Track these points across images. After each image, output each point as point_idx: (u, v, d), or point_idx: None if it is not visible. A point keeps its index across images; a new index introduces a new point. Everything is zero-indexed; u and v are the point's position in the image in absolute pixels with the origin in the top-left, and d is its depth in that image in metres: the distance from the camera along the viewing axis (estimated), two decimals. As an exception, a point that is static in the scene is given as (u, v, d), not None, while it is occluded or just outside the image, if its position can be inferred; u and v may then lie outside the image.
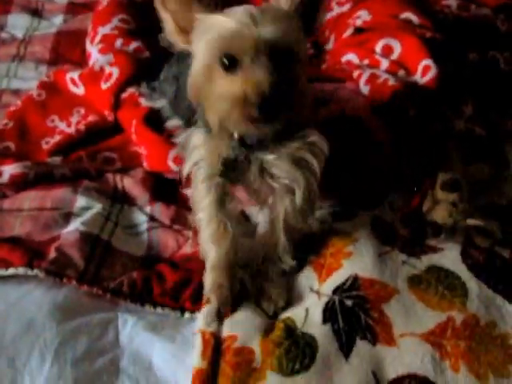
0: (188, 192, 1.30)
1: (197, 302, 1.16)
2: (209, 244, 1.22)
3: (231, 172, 1.13)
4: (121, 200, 1.38)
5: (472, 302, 1.10)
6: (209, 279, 1.17)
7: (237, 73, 0.98)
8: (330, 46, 1.71)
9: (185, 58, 1.35)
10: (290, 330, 1.09)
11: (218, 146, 1.15)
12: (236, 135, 1.11)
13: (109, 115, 1.58)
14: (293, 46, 1.00)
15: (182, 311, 1.16)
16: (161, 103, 1.54)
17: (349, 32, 1.63)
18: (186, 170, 1.22)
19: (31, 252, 1.20)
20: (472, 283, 1.13)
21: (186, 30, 1.07)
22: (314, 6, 1.08)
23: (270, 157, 1.10)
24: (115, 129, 1.60)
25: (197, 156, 1.19)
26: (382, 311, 1.09)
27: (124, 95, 1.57)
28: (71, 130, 1.57)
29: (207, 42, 1.02)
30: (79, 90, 1.66)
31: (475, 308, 1.09)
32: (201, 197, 1.21)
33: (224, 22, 1.01)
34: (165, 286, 1.19)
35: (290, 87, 0.98)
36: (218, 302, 1.12)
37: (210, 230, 1.20)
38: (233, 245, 1.19)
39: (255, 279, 1.19)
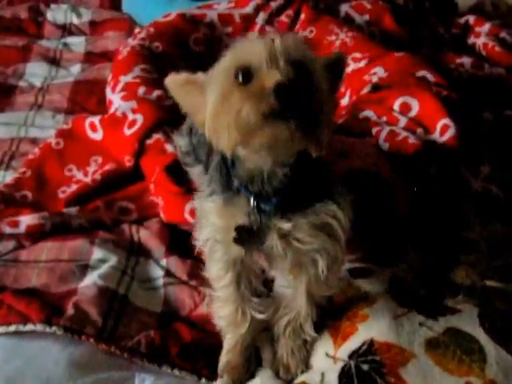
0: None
1: (213, 369, 1.15)
2: (225, 326, 1.19)
3: (248, 240, 1.08)
4: (137, 252, 1.38)
5: (490, 368, 1.08)
6: (224, 359, 1.16)
7: (253, 81, 0.94)
8: (345, 100, 1.70)
9: None
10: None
11: (234, 215, 1.08)
12: (252, 201, 1.05)
13: (129, 161, 1.58)
14: (310, 62, 0.97)
15: (199, 376, 1.15)
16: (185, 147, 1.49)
17: (366, 89, 1.63)
18: (198, 244, 1.17)
19: (49, 307, 1.20)
20: (490, 347, 1.12)
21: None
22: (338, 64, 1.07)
23: (288, 225, 1.05)
24: (132, 177, 1.60)
25: (210, 230, 1.12)
26: (399, 375, 1.08)
27: (149, 142, 1.58)
28: (88, 179, 1.58)
29: (219, 72, 0.99)
30: (98, 136, 1.66)
31: (494, 374, 1.07)
32: (217, 276, 1.17)
33: (236, 47, 0.99)
34: (182, 346, 1.18)
35: (310, 93, 0.93)
36: (232, 381, 1.12)
37: (227, 311, 1.16)
38: (250, 329, 1.16)
39: (273, 346, 1.18)
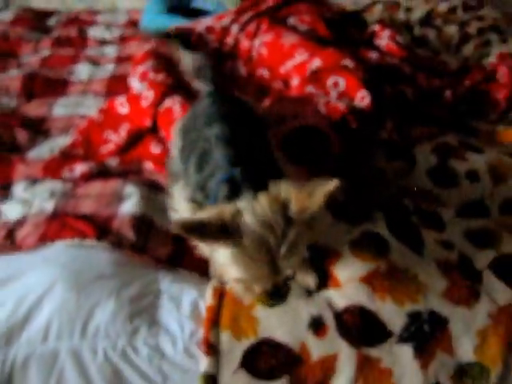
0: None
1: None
2: None
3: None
4: (156, 189, 1.35)
5: (393, 254, 1.09)
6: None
7: None
8: (295, 82, 1.66)
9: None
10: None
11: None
12: None
13: (148, 122, 1.55)
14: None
15: (202, 275, 1.14)
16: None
17: (308, 72, 1.61)
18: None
19: (98, 227, 1.18)
20: (392, 241, 1.12)
21: None
22: None
23: None
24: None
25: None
26: (332, 269, 1.09)
27: (161, 109, 1.54)
28: (120, 139, 1.55)
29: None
30: (125, 110, 1.63)
31: (394, 258, 1.08)
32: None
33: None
34: (192, 256, 1.15)
35: None
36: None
37: None
38: None
39: None
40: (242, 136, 1.11)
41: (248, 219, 0.84)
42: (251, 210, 0.85)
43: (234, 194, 0.93)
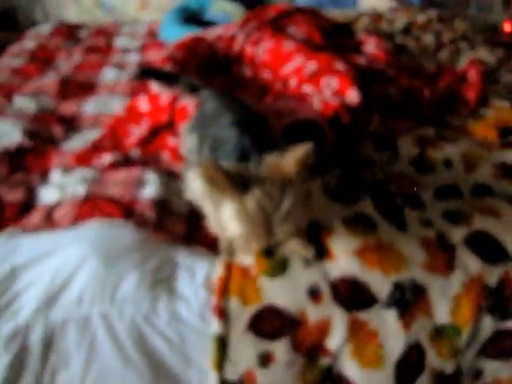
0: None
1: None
2: None
3: None
4: (171, 175, 1.32)
5: (380, 232, 1.08)
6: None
7: None
8: (293, 83, 1.64)
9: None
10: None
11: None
12: None
13: (165, 118, 1.52)
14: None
15: (212, 249, 1.11)
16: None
17: (305, 74, 1.59)
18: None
19: (124, 209, 1.16)
20: (380, 220, 1.10)
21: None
22: None
23: None
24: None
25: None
26: (328, 244, 1.07)
27: (177, 107, 1.51)
28: (141, 133, 1.52)
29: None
30: (145, 108, 1.59)
31: (381, 234, 1.07)
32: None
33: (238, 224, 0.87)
34: (204, 234, 1.14)
35: None
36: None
37: None
38: None
39: None
40: (248, 122, 1.09)
41: (253, 182, 0.85)
42: (256, 175, 0.86)
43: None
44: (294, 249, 1.06)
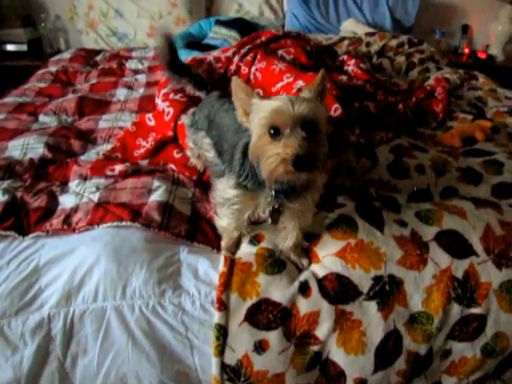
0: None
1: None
2: (223, 231, 1.08)
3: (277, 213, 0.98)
4: (177, 183, 1.30)
5: (360, 233, 1.05)
6: (223, 245, 1.08)
7: (280, 140, 0.82)
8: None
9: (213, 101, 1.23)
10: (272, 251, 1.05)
11: (256, 198, 0.97)
12: (273, 193, 0.93)
13: (170, 133, 1.49)
14: (318, 120, 0.84)
15: (213, 247, 1.10)
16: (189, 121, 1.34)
17: (293, 91, 1.55)
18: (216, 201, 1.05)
19: (132, 212, 1.13)
20: (360, 222, 1.08)
21: (248, 114, 0.89)
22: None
23: (295, 205, 0.96)
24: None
25: (233, 201, 0.99)
26: (314, 250, 1.06)
27: (179, 122, 1.49)
28: (148, 145, 1.50)
29: (259, 119, 0.85)
30: (152, 123, 1.57)
31: (362, 236, 1.05)
32: (227, 222, 1.04)
33: (270, 105, 0.84)
34: (202, 232, 1.14)
35: (317, 149, 0.83)
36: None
37: (227, 227, 1.06)
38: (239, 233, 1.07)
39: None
40: None
41: None
42: None
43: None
44: (293, 259, 1.05)
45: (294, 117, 0.81)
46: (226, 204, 1.01)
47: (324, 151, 0.86)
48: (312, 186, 0.95)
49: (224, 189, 1.01)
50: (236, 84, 0.89)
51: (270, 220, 1.02)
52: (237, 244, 1.08)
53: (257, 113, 0.87)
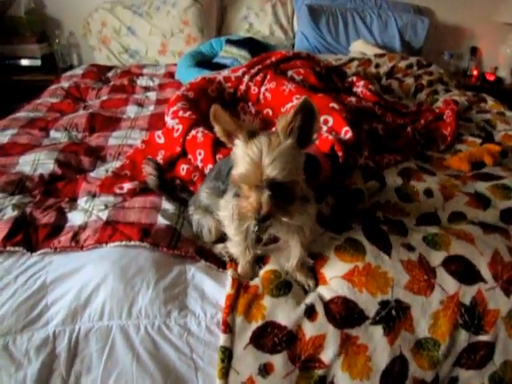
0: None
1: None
2: (237, 255, 1.07)
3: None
4: (185, 204, 1.28)
5: (368, 256, 1.05)
6: (240, 269, 1.07)
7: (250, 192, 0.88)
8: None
9: None
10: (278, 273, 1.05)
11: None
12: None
13: (178, 149, 1.51)
14: (290, 177, 0.87)
15: (219, 267, 1.10)
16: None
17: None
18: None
19: (141, 232, 1.13)
20: (367, 245, 1.08)
21: (229, 135, 0.91)
22: (308, 128, 0.92)
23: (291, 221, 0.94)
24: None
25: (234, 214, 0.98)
26: (322, 271, 1.06)
27: (188, 137, 1.51)
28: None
29: (232, 173, 0.90)
30: (161, 140, 1.59)
31: (369, 259, 1.05)
32: (233, 234, 1.03)
33: (242, 163, 0.87)
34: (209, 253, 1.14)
35: (288, 198, 0.89)
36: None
37: (238, 249, 1.05)
38: (252, 256, 1.06)
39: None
40: None
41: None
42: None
43: None
44: (299, 280, 1.06)
45: (261, 181, 0.86)
46: (231, 222, 1.01)
47: (298, 192, 0.91)
48: (295, 201, 0.94)
49: (226, 203, 1.02)
50: (215, 110, 0.89)
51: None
52: (253, 268, 1.08)
53: (235, 158, 0.90)
